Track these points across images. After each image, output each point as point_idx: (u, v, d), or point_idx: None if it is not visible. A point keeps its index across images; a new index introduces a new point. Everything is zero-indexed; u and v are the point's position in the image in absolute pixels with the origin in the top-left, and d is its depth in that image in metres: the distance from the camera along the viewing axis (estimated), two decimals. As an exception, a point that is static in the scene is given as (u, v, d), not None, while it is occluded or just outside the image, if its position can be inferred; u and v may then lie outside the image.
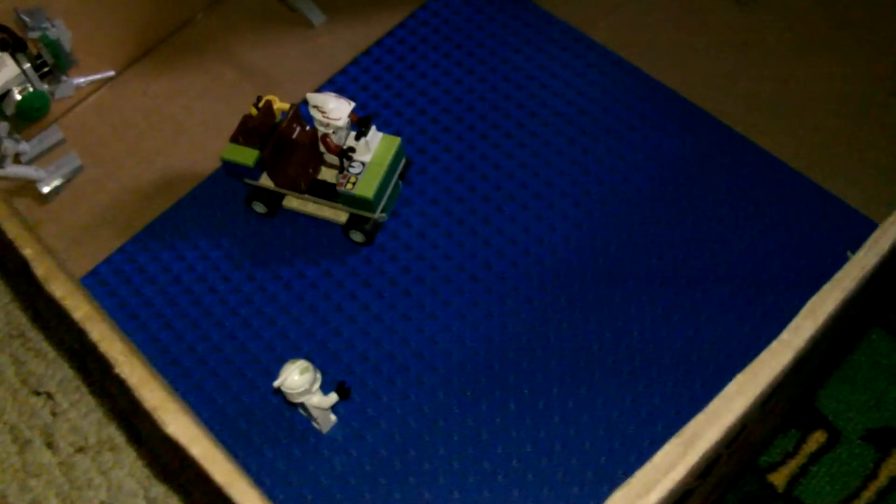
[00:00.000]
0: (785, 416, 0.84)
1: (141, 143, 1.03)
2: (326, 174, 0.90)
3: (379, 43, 1.06)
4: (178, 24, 1.11)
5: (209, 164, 0.99)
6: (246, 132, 0.89)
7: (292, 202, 0.93)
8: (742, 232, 0.89)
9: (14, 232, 0.58)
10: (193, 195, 0.97)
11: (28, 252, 0.56)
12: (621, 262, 0.88)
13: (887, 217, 0.55)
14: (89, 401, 0.91)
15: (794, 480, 0.84)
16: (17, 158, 0.99)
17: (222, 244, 0.93)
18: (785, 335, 0.51)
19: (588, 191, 0.92)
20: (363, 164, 0.87)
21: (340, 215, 0.91)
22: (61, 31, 0.93)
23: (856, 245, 0.55)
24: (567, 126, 0.97)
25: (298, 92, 1.01)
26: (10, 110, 0.92)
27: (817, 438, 0.86)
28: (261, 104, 0.89)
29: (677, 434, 0.49)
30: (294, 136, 0.88)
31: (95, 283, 0.92)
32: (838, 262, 0.55)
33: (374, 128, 0.88)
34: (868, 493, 0.84)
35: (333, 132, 0.86)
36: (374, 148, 0.88)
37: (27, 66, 0.91)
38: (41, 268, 0.55)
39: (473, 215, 0.92)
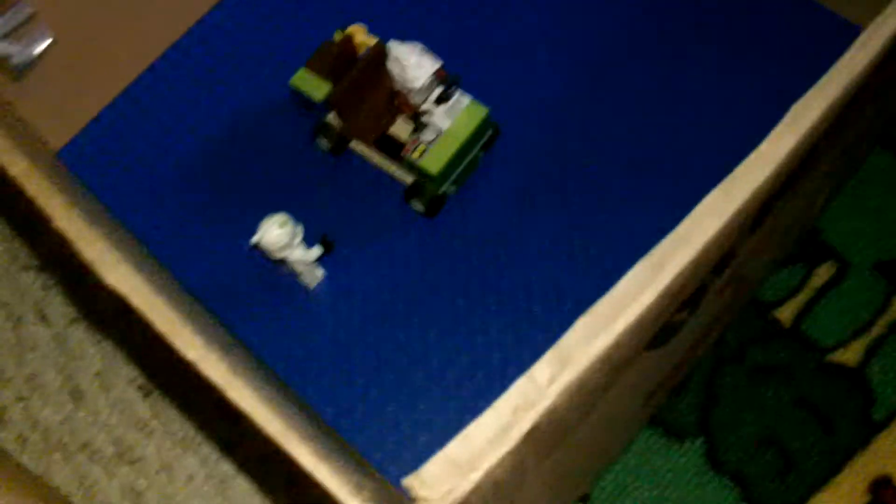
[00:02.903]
0: (787, 247, 0.81)
1: (113, 9, 0.98)
2: (400, 128, 0.80)
3: None
4: None
5: (181, 26, 0.94)
6: (322, 61, 0.81)
7: (360, 146, 0.84)
8: (718, 49, 0.84)
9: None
10: (167, 58, 0.93)
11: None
12: (603, 99, 0.84)
13: (874, 18, 0.50)
14: (78, 274, 0.89)
15: (800, 316, 0.81)
16: (-15, 36, 0.96)
17: (201, 103, 0.90)
18: (763, 146, 0.47)
19: (574, 30, 0.87)
20: (440, 131, 0.78)
21: (406, 176, 0.82)
22: None
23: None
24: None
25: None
26: (-29, -15, 0.88)
27: (825, 271, 0.83)
28: (345, 33, 0.81)
29: (645, 257, 0.45)
30: (370, 80, 0.78)
31: (73, 155, 0.89)
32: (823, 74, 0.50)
33: (458, 93, 0.77)
34: (878, 327, 0.81)
35: (411, 89, 0.76)
36: (456, 116, 0.78)
37: (-17, -68, 0.87)
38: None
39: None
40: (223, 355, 0.44)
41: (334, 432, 0.74)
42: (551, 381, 0.43)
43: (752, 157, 0.47)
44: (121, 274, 0.47)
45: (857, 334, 0.81)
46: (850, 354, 0.80)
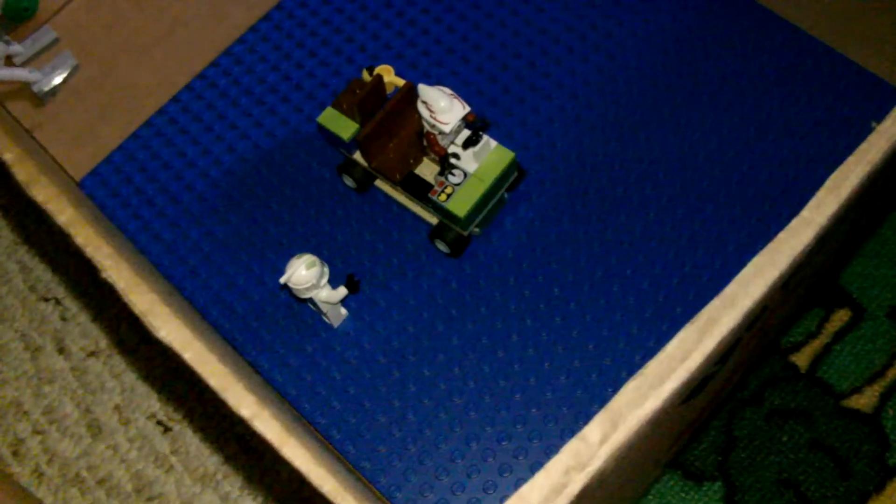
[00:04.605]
0: (807, 294, 0.82)
1: (136, 38, 0.98)
2: (426, 169, 0.80)
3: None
4: None
5: (207, 56, 0.95)
6: (350, 101, 0.82)
7: (385, 184, 0.84)
8: (758, 105, 0.84)
9: (-4, 135, 0.56)
10: (191, 88, 0.94)
11: (8, 157, 0.53)
12: (626, 140, 0.84)
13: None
14: (98, 304, 0.89)
15: (817, 360, 0.82)
16: (9, 61, 0.96)
17: (224, 136, 0.90)
18: (805, 212, 0.48)
19: (600, 67, 0.88)
20: (465, 173, 0.78)
21: (431, 216, 0.82)
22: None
23: (881, 115, 0.51)
24: (574, 0, 0.92)
25: (294, -24, 0.97)
26: (-4, 11, 0.89)
27: (841, 316, 0.84)
28: (374, 73, 0.81)
29: (692, 320, 0.46)
30: (397, 120, 0.79)
31: (97, 184, 0.90)
32: (863, 134, 0.51)
33: (486, 137, 0.78)
34: (894, 371, 0.82)
35: (440, 133, 0.76)
36: (482, 159, 0.78)
37: (10, -37, 0.87)
38: (22, 172, 0.52)
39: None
40: (276, 412, 0.44)
41: (356, 472, 0.75)
42: (602, 441, 0.43)
43: (795, 223, 0.48)
44: (172, 327, 0.47)
45: (872, 380, 0.82)
46: (865, 399, 0.81)
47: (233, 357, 0.66)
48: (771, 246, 0.47)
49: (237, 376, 0.46)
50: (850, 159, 0.50)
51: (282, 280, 0.73)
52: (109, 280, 0.49)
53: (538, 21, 0.92)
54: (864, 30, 0.86)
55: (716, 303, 0.46)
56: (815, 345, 0.82)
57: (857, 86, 0.84)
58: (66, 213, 0.52)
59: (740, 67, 0.86)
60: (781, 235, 0.48)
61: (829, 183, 0.49)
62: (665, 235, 0.79)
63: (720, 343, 0.46)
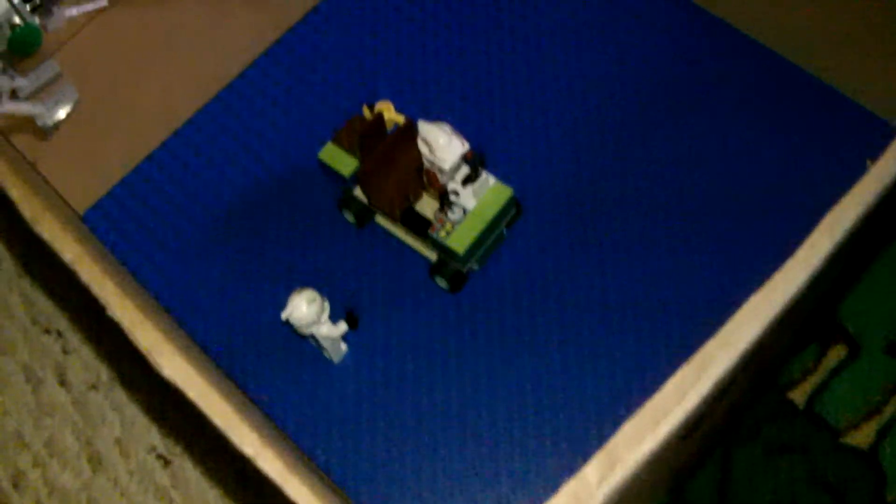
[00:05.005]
0: (802, 330, 0.83)
1: (139, 72, 1.00)
2: (426, 204, 0.81)
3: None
4: (171, -53, 1.07)
5: (210, 90, 0.96)
6: (350, 137, 0.82)
7: (384, 220, 0.85)
8: (749, 141, 0.85)
9: (2, 172, 0.57)
10: (193, 123, 0.95)
11: (14, 193, 0.54)
12: (621, 175, 0.85)
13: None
14: (100, 337, 0.90)
15: (813, 396, 0.83)
16: (13, 94, 0.97)
17: (226, 171, 0.91)
18: (800, 253, 0.49)
19: (593, 103, 0.89)
20: (464, 210, 0.79)
21: (430, 252, 0.82)
22: (49, -40, 0.90)
23: (876, 153, 0.52)
24: (570, 35, 0.93)
25: (296, 13, 0.98)
26: (1, 46, 0.90)
27: (838, 352, 0.84)
28: (374, 110, 0.82)
29: (689, 360, 0.47)
30: (397, 156, 0.79)
31: (99, 218, 0.91)
32: (856, 171, 0.52)
33: (485, 174, 0.79)
34: (890, 408, 0.82)
35: (439, 170, 0.77)
36: (481, 196, 0.79)
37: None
38: (28, 209, 0.53)
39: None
40: (279, 451, 0.45)
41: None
42: (601, 481, 0.44)
43: (790, 264, 0.49)
44: (177, 365, 0.48)
45: (868, 416, 0.82)
46: (861, 436, 0.81)
47: (234, 392, 0.67)
48: (766, 286, 0.48)
49: (240, 415, 0.47)
50: (845, 200, 0.50)
51: (283, 316, 0.73)
52: (114, 318, 0.50)
53: (536, 58, 0.93)
54: (857, 65, 0.87)
55: (712, 343, 0.47)
56: (812, 381, 0.83)
57: (849, 121, 0.85)
58: (71, 251, 0.52)
59: (734, 102, 0.87)
60: (777, 276, 0.48)
61: (823, 223, 0.50)
62: (661, 273, 0.80)
63: (717, 383, 0.47)
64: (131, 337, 0.49)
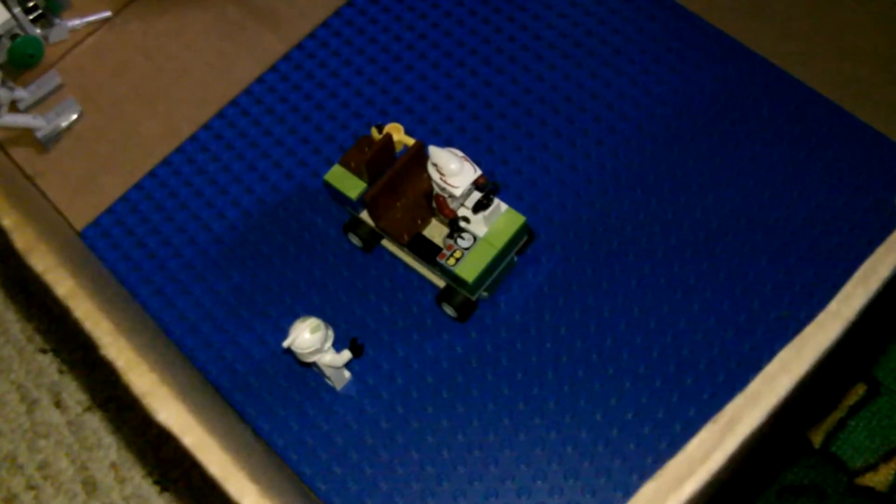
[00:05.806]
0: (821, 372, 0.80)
1: (142, 87, 0.98)
2: (434, 230, 0.78)
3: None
4: (177, -43, 1.05)
5: (212, 107, 0.94)
6: (358, 159, 0.80)
7: (391, 245, 0.83)
8: (776, 177, 0.83)
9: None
10: (196, 139, 0.92)
11: (7, 223, 0.52)
12: (647, 209, 0.82)
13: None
14: (96, 358, 0.87)
15: (831, 435, 0.80)
16: (13, 107, 0.95)
17: (229, 189, 0.89)
18: (833, 305, 0.46)
19: (613, 127, 0.87)
20: (475, 237, 0.76)
21: (438, 278, 0.80)
22: (52, -29, 0.88)
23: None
24: (588, 58, 0.91)
25: (303, 28, 0.96)
26: (1, 58, 0.87)
27: (857, 390, 0.82)
28: (383, 131, 0.80)
29: (713, 419, 0.44)
30: (406, 180, 0.78)
31: (98, 235, 0.88)
32: (886, 208, 0.50)
33: (497, 200, 0.76)
34: (909, 449, 0.80)
35: (450, 196, 0.75)
36: (492, 223, 0.77)
37: (17, 10, 0.86)
38: (21, 240, 0.51)
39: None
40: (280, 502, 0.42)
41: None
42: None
43: (822, 317, 0.46)
44: (172, 411, 0.45)
45: (887, 457, 0.80)
46: (878, 478, 0.79)
47: (233, 429, 0.64)
48: (797, 340, 0.46)
49: (239, 464, 0.45)
50: (880, 250, 0.48)
51: (285, 343, 0.71)
52: (108, 358, 0.48)
53: (550, 78, 0.90)
54: (889, 95, 0.85)
55: (739, 400, 0.45)
56: (830, 420, 0.81)
57: (880, 157, 0.82)
58: (65, 285, 0.50)
59: (755, 132, 0.85)
60: (808, 329, 0.46)
61: (858, 274, 0.47)
62: (682, 309, 0.78)
63: (743, 442, 0.44)
64: (126, 380, 0.46)
